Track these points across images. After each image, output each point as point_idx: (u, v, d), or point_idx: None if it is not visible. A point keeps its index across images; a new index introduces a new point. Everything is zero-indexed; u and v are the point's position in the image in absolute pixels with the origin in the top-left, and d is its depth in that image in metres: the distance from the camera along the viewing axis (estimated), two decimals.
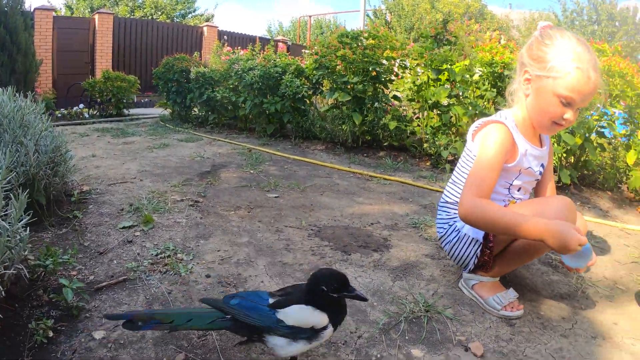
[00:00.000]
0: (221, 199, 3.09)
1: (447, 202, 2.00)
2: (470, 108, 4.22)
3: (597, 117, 3.81)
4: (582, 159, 3.97)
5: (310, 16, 23.32)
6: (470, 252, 1.89)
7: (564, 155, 3.87)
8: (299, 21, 23.09)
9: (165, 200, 2.99)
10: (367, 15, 20.83)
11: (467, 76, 4.56)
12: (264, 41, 12.07)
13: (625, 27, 22.13)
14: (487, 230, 1.72)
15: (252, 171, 4.00)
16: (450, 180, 2.02)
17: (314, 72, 5.44)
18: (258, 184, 3.54)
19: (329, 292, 1.28)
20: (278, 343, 1.27)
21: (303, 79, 5.75)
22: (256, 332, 1.30)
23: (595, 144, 3.96)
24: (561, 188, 3.84)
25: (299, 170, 4.15)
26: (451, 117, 4.58)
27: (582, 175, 4.05)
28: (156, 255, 2.17)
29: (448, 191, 2.00)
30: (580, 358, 1.61)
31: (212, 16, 25.38)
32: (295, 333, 1.27)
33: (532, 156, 1.84)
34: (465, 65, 4.63)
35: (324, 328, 1.29)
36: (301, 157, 4.69)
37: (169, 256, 2.16)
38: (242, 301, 1.32)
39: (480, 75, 4.54)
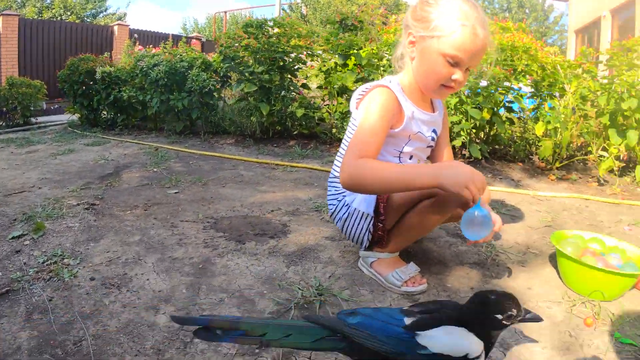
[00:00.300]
0: (119, 200, 2.86)
1: (335, 176, 1.84)
2: None
3: (503, 92, 3.79)
4: (492, 134, 3.94)
5: (225, 12, 22.79)
6: (362, 228, 1.74)
7: (474, 130, 3.83)
8: (215, 18, 22.47)
9: (61, 206, 2.73)
10: (283, 9, 20.70)
11: (375, 60, 4.44)
12: (177, 38, 11.62)
13: (534, 13, 23.35)
14: (376, 192, 1.53)
15: (155, 169, 3.73)
16: (337, 154, 1.87)
17: (221, 64, 5.18)
18: (159, 182, 3.28)
19: (503, 320, 1.02)
20: None
21: (211, 73, 5.48)
22: (383, 359, 1.01)
23: (504, 118, 3.95)
24: (473, 163, 3.80)
25: (204, 165, 3.90)
26: None
27: (493, 149, 4.03)
28: (43, 262, 1.96)
29: (336, 165, 1.84)
30: None
31: (125, 15, 24.46)
32: None
33: (420, 121, 1.71)
34: (373, 49, 4.52)
35: (478, 357, 1.00)
36: (208, 152, 4.42)
37: (55, 262, 1.95)
38: (366, 320, 1.03)
39: (387, 59, 4.43)
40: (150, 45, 7.98)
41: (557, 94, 4.12)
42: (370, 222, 1.70)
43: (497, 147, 4.05)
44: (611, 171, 4.04)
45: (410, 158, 1.76)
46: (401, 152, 1.72)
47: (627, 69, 4.36)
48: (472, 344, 0.99)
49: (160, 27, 72.24)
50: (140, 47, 8.09)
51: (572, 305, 1.66)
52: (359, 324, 1.01)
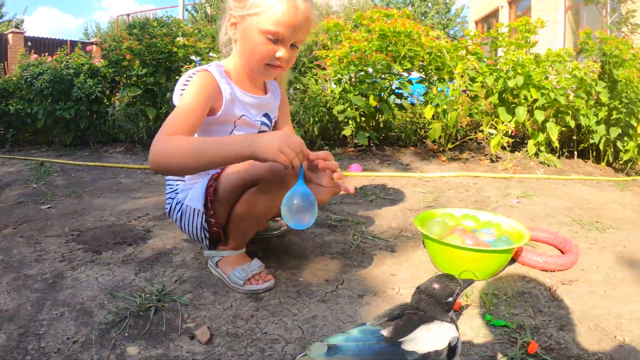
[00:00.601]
0: None
1: None
2: None
3: (389, 78, 3.76)
4: (381, 120, 3.90)
5: (128, 15, 21.78)
6: (197, 225, 1.57)
7: (363, 119, 3.78)
8: (117, 21, 21.37)
9: None
10: (187, 10, 20.16)
11: None
12: (75, 44, 10.97)
13: (436, 6, 24.16)
14: (185, 168, 1.35)
15: (35, 185, 3.40)
16: None
17: (109, 69, 4.87)
18: (36, 198, 2.99)
19: (454, 300, 1.06)
20: None
21: (99, 79, 5.14)
22: None
23: (393, 105, 3.93)
24: (363, 150, 3.73)
25: (85, 177, 3.61)
26: None
27: (385, 136, 4.00)
28: None
29: None
30: (337, 323, 1.33)
31: (22, 22, 22.94)
32: None
33: (246, 104, 1.58)
34: None
35: (457, 339, 1.01)
36: (91, 163, 4.13)
37: None
38: (348, 347, 0.93)
39: None
40: (46, 54, 7.43)
41: (447, 78, 4.16)
42: (203, 219, 1.54)
43: (388, 133, 4.03)
44: (504, 148, 4.12)
45: None
46: None
47: (514, 48, 4.50)
48: (450, 331, 1.01)
49: (62, 33, 68.58)
50: (35, 55, 7.52)
51: None
52: (342, 355, 0.92)
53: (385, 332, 0.96)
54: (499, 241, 1.67)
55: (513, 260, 1.82)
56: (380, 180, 2.97)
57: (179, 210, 1.59)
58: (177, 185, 1.63)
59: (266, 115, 1.67)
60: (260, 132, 1.65)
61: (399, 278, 1.64)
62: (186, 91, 1.42)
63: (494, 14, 15.06)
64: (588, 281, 1.69)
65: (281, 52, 1.43)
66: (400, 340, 0.95)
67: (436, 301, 1.04)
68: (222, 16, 1.58)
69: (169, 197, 1.65)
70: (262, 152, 1.19)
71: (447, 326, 1.02)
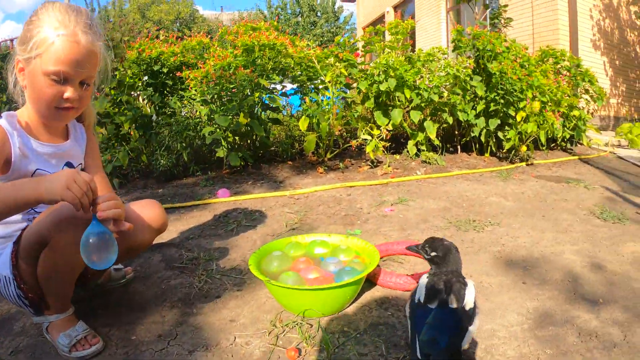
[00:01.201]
0: None
1: None
2: None
3: (258, 94, 3.57)
4: (256, 139, 3.71)
5: (12, 39, 20.33)
6: (12, 293, 1.37)
7: (236, 138, 3.57)
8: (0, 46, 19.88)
9: None
10: None
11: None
12: None
13: (325, 15, 24.58)
14: None
15: None
16: None
17: None
18: None
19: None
20: (472, 329, 1.14)
21: None
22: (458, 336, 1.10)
23: (266, 119, 3.76)
24: (238, 171, 3.52)
25: None
26: None
27: (262, 153, 3.81)
28: None
29: None
30: None
31: None
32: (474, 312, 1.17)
33: (43, 155, 1.41)
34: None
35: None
36: None
37: None
38: (431, 332, 1.09)
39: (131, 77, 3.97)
40: None
41: (322, 88, 4.03)
42: (15, 286, 1.35)
43: (265, 150, 3.84)
44: (385, 151, 4.06)
45: None
46: None
47: (387, 51, 4.47)
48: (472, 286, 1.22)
49: None
50: None
51: (282, 332, 1.39)
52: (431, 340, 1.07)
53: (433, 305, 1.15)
54: (343, 272, 1.51)
55: (372, 283, 1.67)
56: (248, 203, 2.77)
57: None
58: None
59: (68, 164, 1.50)
60: None
61: (238, 324, 1.46)
62: None
63: (381, 19, 15.43)
64: None
65: (69, 93, 1.30)
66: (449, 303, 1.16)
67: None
68: (9, 62, 1.40)
69: None
70: (49, 192, 1.11)
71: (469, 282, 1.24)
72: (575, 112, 4.86)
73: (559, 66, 5.31)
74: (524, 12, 8.14)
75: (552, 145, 5.07)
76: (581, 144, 5.37)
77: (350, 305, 1.53)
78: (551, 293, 1.63)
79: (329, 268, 1.57)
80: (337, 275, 1.50)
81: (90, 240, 1.13)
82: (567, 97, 4.64)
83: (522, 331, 1.38)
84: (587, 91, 5.39)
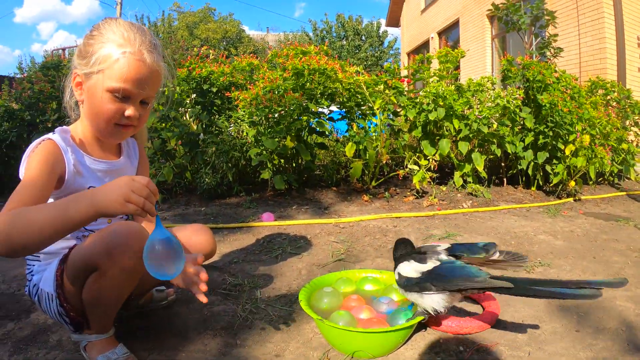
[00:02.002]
0: None
1: None
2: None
3: (306, 118, 3.57)
4: (301, 163, 3.70)
5: (63, 49, 21.11)
6: (54, 310, 1.36)
7: (282, 161, 3.57)
8: (52, 56, 20.72)
9: None
10: None
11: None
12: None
13: (370, 39, 24.71)
14: (31, 243, 1.10)
15: None
16: None
17: (24, 113, 4.47)
18: None
19: None
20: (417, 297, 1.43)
21: (17, 122, 4.68)
22: None
23: (313, 144, 3.75)
24: (282, 194, 3.50)
25: None
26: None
27: (307, 177, 3.79)
28: None
29: None
30: None
31: None
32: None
33: (96, 172, 1.41)
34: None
35: None
36: None
37: None
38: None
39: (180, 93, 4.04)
40: None
41: (369, 114, 4.01)
42: (57, 304, 1.34)
43: (310, 174, 3.83)
44: (431, 182, 3.99)
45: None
46: None
47: (437, 80, 4.41)
48: None
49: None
50: None
51: None
52: None
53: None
54: (398, 312, 1.46)
55: (425, 326, 1.61)
56: (293, 229, 2.74)
57: (35, 294, 1.39)
58: (32, 265, 1.42)
59: None
60: None
61: (285, 359, 1.39)
62: (28, 164, 1.24)
63: (425, 45, 15.38)
64: (510, 342, 1.51)
65: (130, 111, 1.29)
66: None
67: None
68: (66, 75, 1.40)
69: (28, 279, 1.44)
70: (107, 207, 1.05)
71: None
72: (624, 146, 4.69)
73: (608, 97, 5.15)
74: (570, 40, 7.94)
75: (599, 179, 4.92)
76: (628, 179, 5.23)
77: (399, 348, 1.48)
78: (605, 343, 1.53)
79: (381, 308, 1.51)
80: (391, 316, 1.45)
81: (157, 248, 1.05)
82: (617, 130, 4.50)
83: None
84: (636, 124, 5.20)
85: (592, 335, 1.58)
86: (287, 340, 1.51)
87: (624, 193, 4.49)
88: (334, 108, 4.11)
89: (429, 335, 1.56)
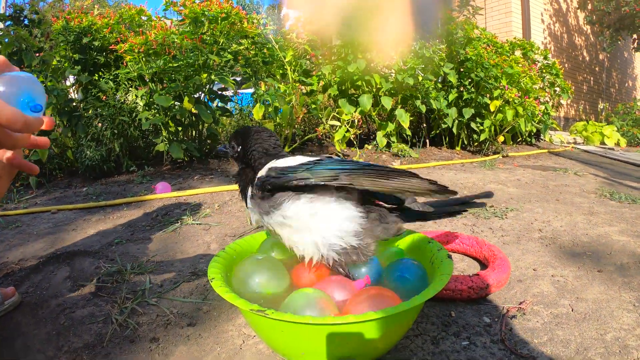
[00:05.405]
0: None
1: None
2: None
3: (205, 75, 2.96)
4: (203, 130, 3.11)
5: None
6: None
7: (179, 128, 2.96)
8: None
9: None
10: None
11: None
12: None
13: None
14: None
15: None
16: None
17: None
18: None
19: None
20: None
21: None
22: None
23: (215, 108, 3.19)
24: (182, 166, 2.91)
25: None
26: None
27: (211, 147, 3.21)
28: None
29: None
30: None
31: None
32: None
33: None
34: None
35: None
36: None
37: None
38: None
39: None
40: None
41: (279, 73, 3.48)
42: None
43: (213, 144, 3.25)
44: (351, 144, 3.57)
45: None
46: None
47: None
48: None
49: None
50: None
51: None
52: None
53: None
54: (392, 271, 0.97)
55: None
56: (196, 198, 2.17)
57: None
58: None
59: None
60: None
61: None
62: None
63: None
64: (539, 298, 1.15)
65: None
66: None
67: None
68: None
69: None
70: None
71: None
72: (543, 105, 4.58)
73: (528, 58, 5.03)
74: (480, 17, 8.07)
75: (519, 140, 4.92)
76: (542, 140, 5.29)
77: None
78: (637, 279, 1.23)
79: (356, 272, 0.98)
80: (394, 281, 0.94)
81: None
82: (539, 89, 4.36)
83: None
84: (552, 84, 5.11)
85: (619, 273, 1.29)
86: (198, 359, 0.96)
87: (546, 150, 4.56)
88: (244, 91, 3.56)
89: (432, 306, 1.10)
